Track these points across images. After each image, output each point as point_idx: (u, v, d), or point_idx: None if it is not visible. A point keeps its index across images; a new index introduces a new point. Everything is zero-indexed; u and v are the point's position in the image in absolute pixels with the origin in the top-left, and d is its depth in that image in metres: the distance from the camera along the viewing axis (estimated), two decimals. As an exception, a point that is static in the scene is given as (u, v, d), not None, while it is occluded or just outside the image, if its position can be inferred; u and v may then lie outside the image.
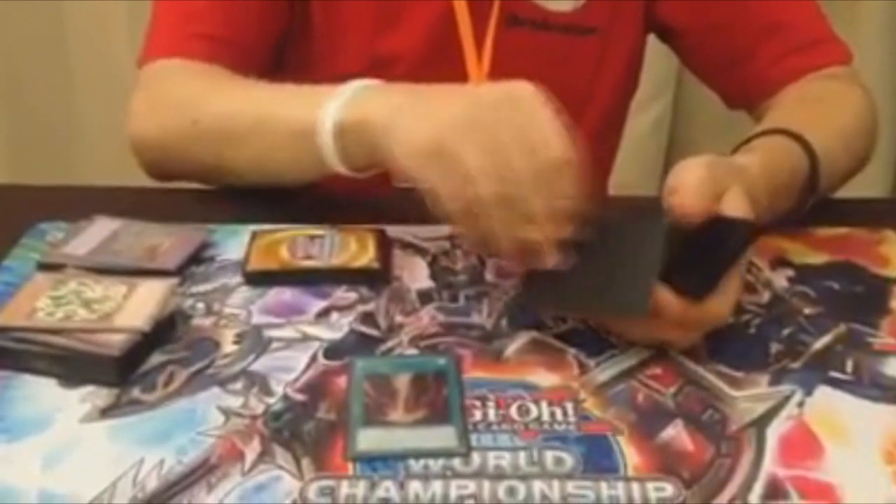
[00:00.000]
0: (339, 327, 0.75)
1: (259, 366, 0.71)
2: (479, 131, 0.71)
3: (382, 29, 1.03)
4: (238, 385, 0.69)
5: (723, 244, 0.71)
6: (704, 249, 0.70)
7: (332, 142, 0.80)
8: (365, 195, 0.88)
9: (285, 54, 1.08)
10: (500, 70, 1.04)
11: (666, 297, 0.68)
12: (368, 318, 0.76)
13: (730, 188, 0.72)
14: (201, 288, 0.79)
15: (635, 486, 0.60)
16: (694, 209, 0.70)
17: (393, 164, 0.75)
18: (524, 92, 0.73)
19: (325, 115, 0.80)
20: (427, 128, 0.72)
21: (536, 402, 0.67)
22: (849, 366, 0.72)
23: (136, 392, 0.68)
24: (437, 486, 0.60)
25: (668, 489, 0.60)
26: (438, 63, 1.04)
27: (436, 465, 0.62)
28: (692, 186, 0.71)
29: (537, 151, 0.70)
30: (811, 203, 0.87)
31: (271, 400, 0.67)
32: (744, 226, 0.72)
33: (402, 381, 0.68)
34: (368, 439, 0.63)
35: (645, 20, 1.08)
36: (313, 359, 0.71)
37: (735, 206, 0.72)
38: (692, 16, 1.05)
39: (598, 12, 1.05)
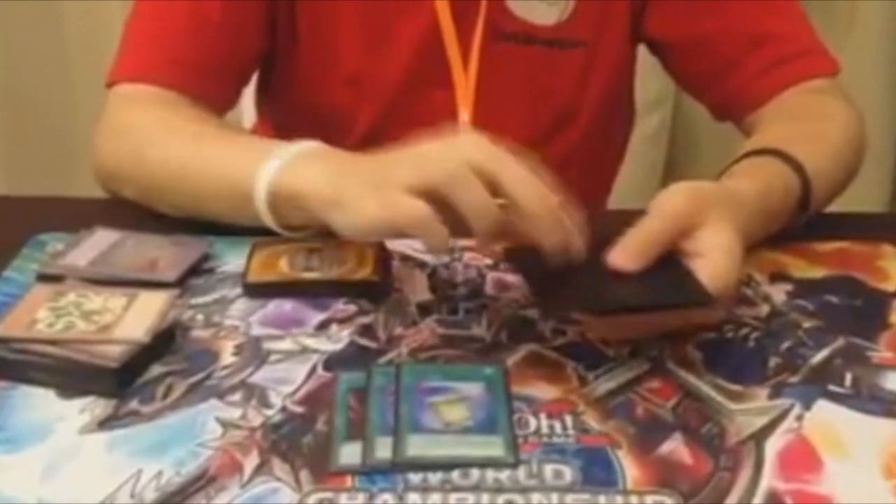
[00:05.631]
0: (338, 339, 0.75)
1: (258, 378, 0.71)
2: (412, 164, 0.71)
3: (370, 46, 1.03)
4: (237, 397, 0.69)
5: (662, 287, 0.69)
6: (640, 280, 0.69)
7: (267, 209, 0.80)
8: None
9: (271, 74, 1.08)
10: (487, 84, 1.05)
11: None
12: (368, 330, 0.76)
13: (712, 216, 0.71)
14: (201, 300, 0.79)
15: (634, 499, 0.60)
16: (638, 259, 0.70)
17: (342, 235, 0.75)
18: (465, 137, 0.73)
19: (260, 181, 0.79)
20: (371, 205, 0.71)
21: (535, 414, 0.67)
22: (848, 380, 0.72)
23: (134, 403, 0.68)
24: (435, 499, 0.60)
25: (667, 502, 0.60)
26: (426, 78, 1.04)
27: (434, 477, 0.62)
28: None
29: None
30: (803, 220, 0.87)
31: (270, 412, 0.67)
32: (698, 294, 0.69)
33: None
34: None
35: (632, 33, 1.08)
36: (312, 371, 0.71)
37: (716, 239, 0.70)
38: (678, 28, 1.05)
39: (583, 26, 1.05)
